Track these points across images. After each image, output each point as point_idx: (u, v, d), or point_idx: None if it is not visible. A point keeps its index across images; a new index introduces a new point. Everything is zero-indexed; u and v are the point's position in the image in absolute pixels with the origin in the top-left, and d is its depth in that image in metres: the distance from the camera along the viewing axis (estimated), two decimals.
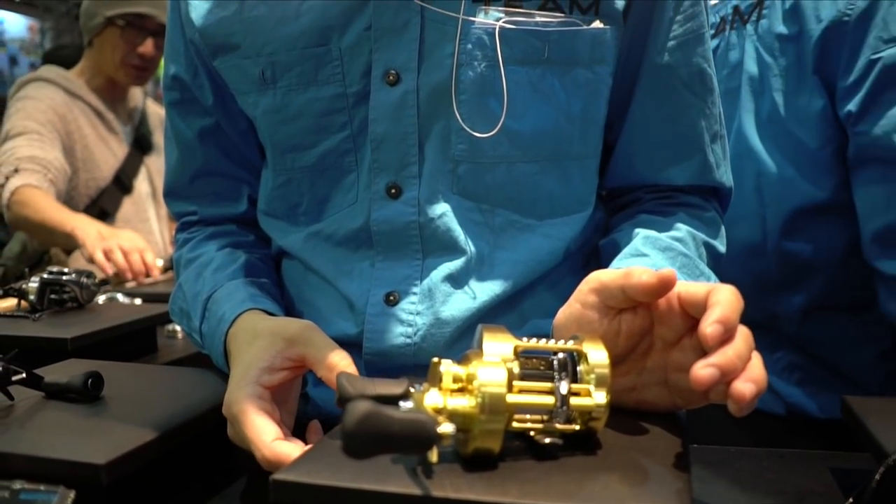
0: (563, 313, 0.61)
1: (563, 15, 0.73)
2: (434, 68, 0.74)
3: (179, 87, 0.87)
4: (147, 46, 2.01)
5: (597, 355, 0.52)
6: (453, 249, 0.76)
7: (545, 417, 0.51)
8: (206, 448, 0.71)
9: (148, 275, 1.75)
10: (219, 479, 0.71)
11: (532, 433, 0.51)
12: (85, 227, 1.79)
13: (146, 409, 0.67)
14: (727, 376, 0.47)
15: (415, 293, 0.76)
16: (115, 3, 1.98)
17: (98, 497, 0.58)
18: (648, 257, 0.71)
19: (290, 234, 0.84)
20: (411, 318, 0.76)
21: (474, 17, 0.72)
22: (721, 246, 0.82)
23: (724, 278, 1.06)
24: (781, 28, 1.03)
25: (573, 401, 0.50)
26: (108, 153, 2.04)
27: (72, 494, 0.55)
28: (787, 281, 1.08)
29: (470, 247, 0.76)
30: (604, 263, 0.78)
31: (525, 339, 0.53)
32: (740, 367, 0.48)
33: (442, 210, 0.76)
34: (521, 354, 0.52)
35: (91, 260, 1.72)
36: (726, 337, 0.49)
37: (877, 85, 0.94)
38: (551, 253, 0.79)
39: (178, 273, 0.90)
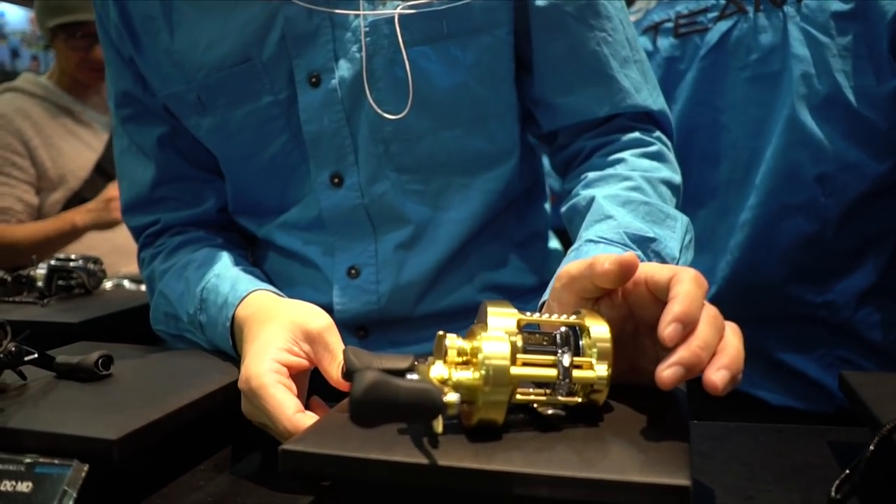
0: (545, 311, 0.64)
1: None
2: (349, 64, 0.80)
3: (130, 102, 0.90)
4: (96, 53, 1.98)
5: (598, 329, 0.53)
6: (400, 221, 0.84)
7: (548, 390, 0.52)
8: (215, 426, 0.72)
9: None
10: (226, 456, 0.72)
11: (535, 405, 0.52)
12: (77, 210, 1.93)
13: (155, 388, 0.68)
14: (694, 370, 0.48)
15: (372, 265, 0.85)
16: (54, 14, 1.97)
17: (110, 471, 0.59)
18: (614, 218, 0.73)
19: (262, 226, 0.91)
20: (373, 286, 0.85)
21: (374, 10, 0.78)
22: (676, 175, 0.85)
23: (763, 274, 1.07)
24: (838, 5, 0.99)
25: (575, 373, 0.51)
26: (81, 146, 2.03)
27: (85, 468, 0.56)
28: (843, 267, 1.06)
29: (415, 216, 0.84)
30: (572, 232, 0.80)
31: (528, 313, 0.55)
32: (706, 358, 0.48)
33: (383, 189, 0.84)
34: (524, 328, 0.54)
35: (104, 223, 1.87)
36: (686, 333, 0.49)
37: None
38: (487, 205, 0.86)
39: (152, 288, 0.90)
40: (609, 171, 0.82)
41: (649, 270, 0.55)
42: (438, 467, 0.47)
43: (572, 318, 0.54)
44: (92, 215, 1.92)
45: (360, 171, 0.83)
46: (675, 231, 0.75)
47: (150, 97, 0.88)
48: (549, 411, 0.52)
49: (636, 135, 0.86)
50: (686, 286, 0.51)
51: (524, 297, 0.90)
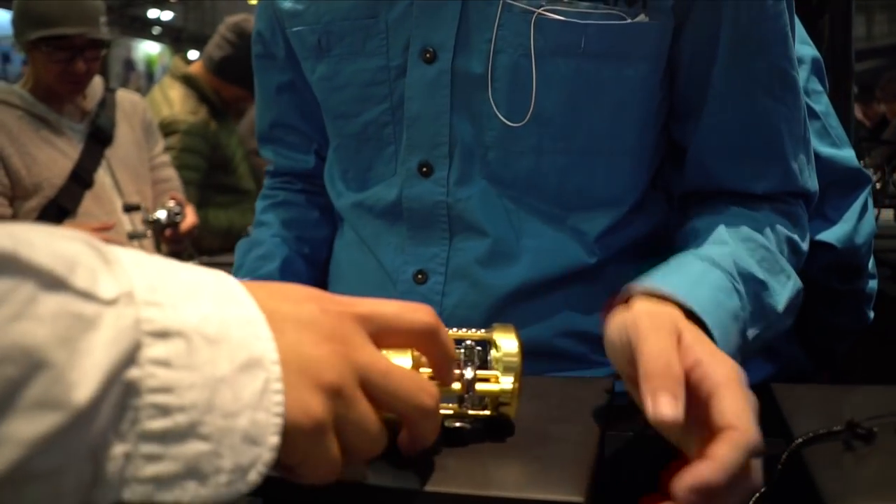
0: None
1: (607, 6, 0.71)
2: (470, 50, 0.74)
3: (261, 42, 0.92)
4: (77, 66, 1.96)
5: (507, 343, 0.53)
6: (479, 233, 0.78)
7: (455, 405, 0.52)
8: None
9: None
10: None
11: (444, 420, 0.52)
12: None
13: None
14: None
15: (441, 273, 0.79)
16: (38, 26, 1.92)
17: None
18: (728, 245, 0.69)
19: (342, 197, 0.87)
20: (438, 298, 0.79)
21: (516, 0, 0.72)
22: (804, 243, 0.79)
23: None
24: None
25: (480, 386, 0.51)
26: (56, 154, 2.02)
27: None
28: None
29: (496, 231, 0.77)
30: (678, 249, 0.73)
31: (453, 329, 0.54)
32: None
33: (470, 193, 0.77)
34: None
35: None
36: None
37: None
38: (580, 245, 0.78)
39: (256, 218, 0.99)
40: (740, 208, 0.76)
41: (703, 365, 0.48)
42: (338, 485, 0.46)
43: (481, 332, 0.54)
44: None
45: (452, 166, 0.77)
46: (784, 288, 0.70)
47: (276, 45, 0.89)
48: (456, 424, 0.52)
49: (781, 197, 0.79)
50: (727, 450, 0.42)
51: None
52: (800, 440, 0.52)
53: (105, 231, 1.89)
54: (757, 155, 0.77)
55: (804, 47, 1.05)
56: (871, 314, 1.08)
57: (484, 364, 0.53)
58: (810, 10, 1.87)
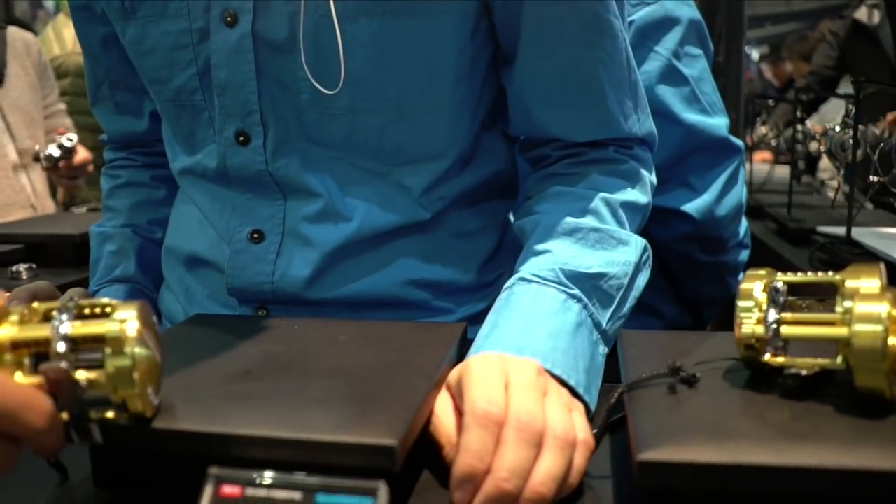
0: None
1: None
2: (271, 13, 0.71)
3: None
4: None
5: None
6: (310, 193, 0.76)
7: None
8: None
9: None
10: None
11: None
12: None
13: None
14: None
15: (277, 233, 0.77)
16: None
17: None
18: (552, 252, 0.69)
19: (175, 160, 0.85)
20: (271, 257, 0.77)
21: None
22: (644, 195, 0.78)
23: None
24: None
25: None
26: None
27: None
28: None
29: (326, 191, 0.76)
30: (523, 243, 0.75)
31: None
32: (517, 487, 0.46)
33: (289, 159, 0.75)
34: None
35: None
36: (478, 482, 0.47)
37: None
38: (407, 199, 0.77)
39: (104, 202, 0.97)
40: (566, 188, 0.76)
41: (439, 430, 0.53)
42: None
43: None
44: None
45: (268, 133, 0.75)
46: (625, 256, 0.71)
47: None
48: None
49: (609, 151, 0.79)
50: (465, 437, 0.48)
51: (457, 295, 0.81)
52: (623, 387, 0.53)
53: None
54: (575, 101, 0.76)
55: (682, 7, 1.03)
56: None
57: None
58: None
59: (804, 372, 0.50)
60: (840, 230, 1.32)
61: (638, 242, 0.73)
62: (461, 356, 0.60)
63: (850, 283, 0.49)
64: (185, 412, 0.48)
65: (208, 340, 0.63)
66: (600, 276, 0.67)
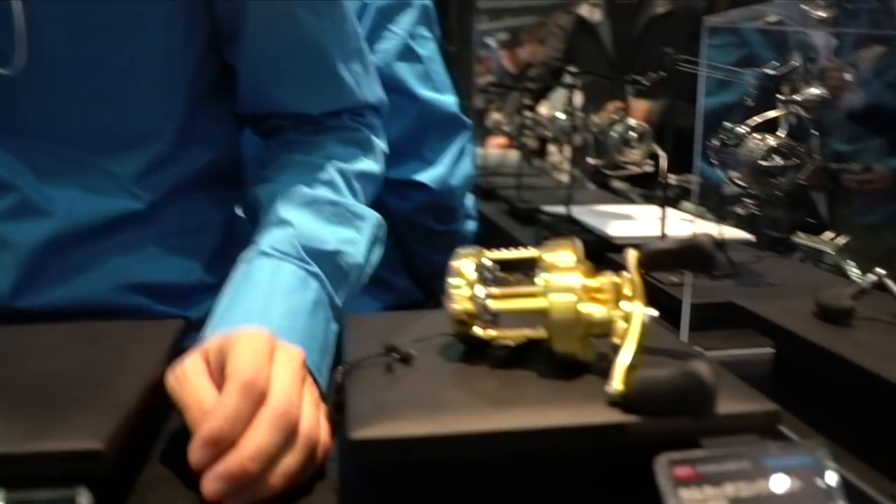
0: None
1: None
2: None
3: None
4: None
5: None
6: (0, 187, 0.67)
7: None
8: None
9: None
10: None
11: None
12: None
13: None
14: (241, 481, 0.46)
15: None
16: None
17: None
18: (292, 224, 0.68)
19: None
20: None
21: None
22: (376, 165, 0.79)
23: None
24: None
25: None
26: None
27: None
28: None
29: (18, 183, 0.68)
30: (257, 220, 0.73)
31: None
32: (258, 468, 0.46)
33: None
34: None
35: None
36: (220, 451, 0.46)
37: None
38: (117, 188, 0.71)
39: None
40: (302, 156, 0.75)
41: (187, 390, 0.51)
42: None
43: None
44: None
45: None
46: (361, 233, 0.71)
47: None
48: None
49: (343, 119, 0.79)
50: (223, 400, 0.47)
51: (181, 298, 0.76)
52: (340, 369, 0.53)
53: None
54: (306, 72, 0.77)
55: None
56: None
57: None
58: None
59: (512, 343, 0.54)
60: (562, 209, 1.43)
61: (373, 217, 0.74)
62: (181, 351, 0.58)
63: (547, 257, 0.53)
64: None
65: None
66: (337, 252, 0.68)
